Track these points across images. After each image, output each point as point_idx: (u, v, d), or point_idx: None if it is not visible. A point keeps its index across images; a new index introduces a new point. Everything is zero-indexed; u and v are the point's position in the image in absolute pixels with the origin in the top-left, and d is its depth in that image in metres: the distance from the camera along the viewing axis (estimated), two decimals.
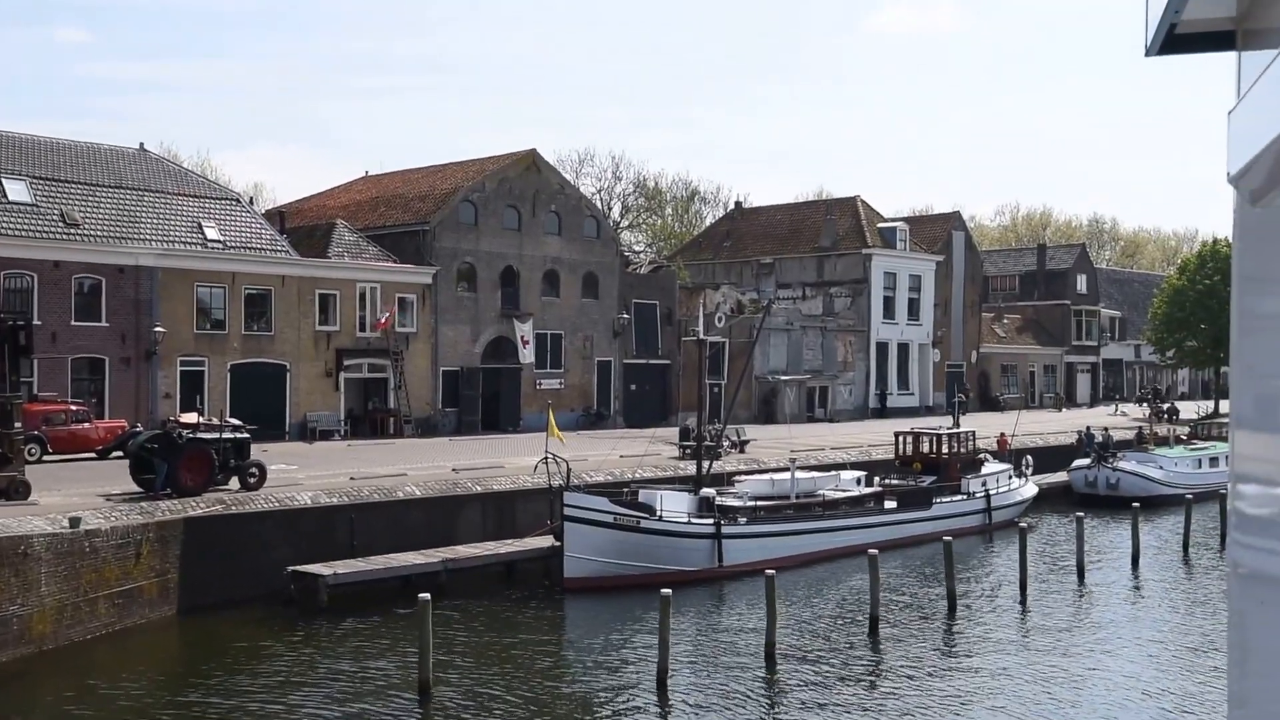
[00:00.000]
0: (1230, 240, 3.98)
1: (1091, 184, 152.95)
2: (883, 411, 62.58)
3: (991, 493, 36.40)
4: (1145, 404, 68.67)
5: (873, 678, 20.50)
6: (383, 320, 43.78)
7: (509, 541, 28.58)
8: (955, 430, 38.32)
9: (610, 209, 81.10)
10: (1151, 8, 3.27)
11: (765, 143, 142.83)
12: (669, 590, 19.83)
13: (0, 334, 25.15)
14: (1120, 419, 61.19)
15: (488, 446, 39.68)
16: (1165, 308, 67.53)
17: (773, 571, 21.64)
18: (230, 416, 29.35)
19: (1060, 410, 71.31)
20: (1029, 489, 39.55)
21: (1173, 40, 3.30)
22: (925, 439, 37.82)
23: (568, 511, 26.45)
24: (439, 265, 46.39)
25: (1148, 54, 3.39)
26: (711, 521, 28.34)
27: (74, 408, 34.49)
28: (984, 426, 45.04)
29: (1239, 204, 3.16)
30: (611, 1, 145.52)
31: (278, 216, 49.98)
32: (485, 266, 48.01)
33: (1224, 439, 48.73)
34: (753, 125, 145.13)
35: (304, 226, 48.82)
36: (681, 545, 27.78)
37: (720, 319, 54.08)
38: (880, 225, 67.19)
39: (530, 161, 50.27)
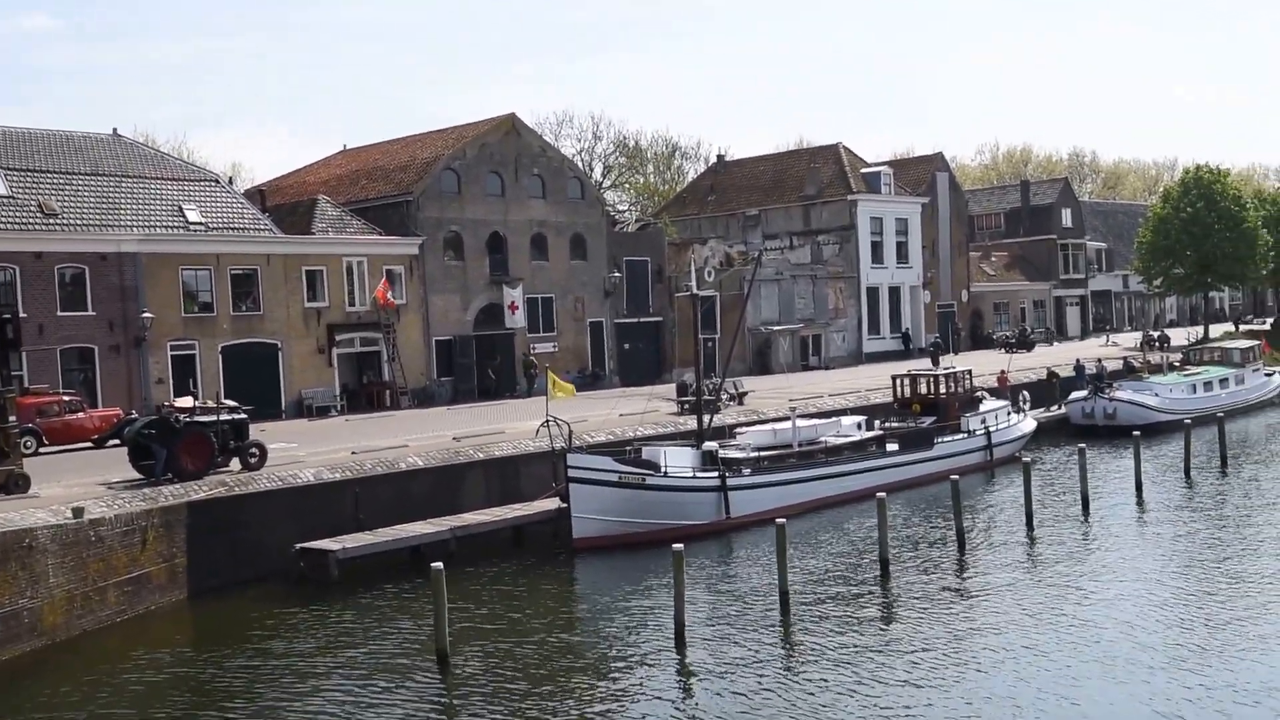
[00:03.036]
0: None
1: (1070, 117, 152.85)
2: (906, 353, 62.67)
3: (991, 430, 36.53)
4: (1007, 349, 61.49)
5: (888, 618, 20.62)
6: (387, 297, 43.44)
7: (515, 506, 28.60)
8: (951, 370, 38.42)
9: (592, 170, 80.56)
10: None
11: (744, 94, 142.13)
12: (680, 545, 19.83)
13: None
14: (1112, 350, 61.31)
15: (486, 413, 39.59)
16: (1151, 236, 67.50)
17: (783, 520, 21.72)
18: (225, 398, 29.14)
19: (1051, 344, 71.49)
20: (1028, 424, 39.71)
21: None
22: (923, 380, 37.88)
23: (572, 473, 26.49)
24: (425, 235, 46.01)
25: None
26: (716, 474, 28.39)
27: (66, 398, 34.22)
28: (979, 365, 45.16)
29: None
30: None
31: (258, 195, 49.39)
32: (471, 234, 47.65)
33: (1216, 363, 49.06)
34: (730, 75, 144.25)
35: (285, 204, 48.33)
36: (688, 500, 27.86)
37: (710, 273, 53.89)
38: (864, 171, 66.95)
39: (510, 126, 49.79)
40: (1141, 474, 31.66)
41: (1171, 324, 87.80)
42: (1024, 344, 64.78)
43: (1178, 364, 50.04)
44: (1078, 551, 25.10)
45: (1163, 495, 31.16)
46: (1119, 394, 43.32)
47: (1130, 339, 69.12)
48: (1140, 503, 30.16)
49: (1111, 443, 38.92)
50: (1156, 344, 60.93)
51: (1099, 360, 49.54)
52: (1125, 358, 52.39)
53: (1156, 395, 43.95)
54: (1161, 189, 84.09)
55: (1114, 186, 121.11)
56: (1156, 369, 48.50)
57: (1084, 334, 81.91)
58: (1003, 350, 61.48)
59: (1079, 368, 47.58)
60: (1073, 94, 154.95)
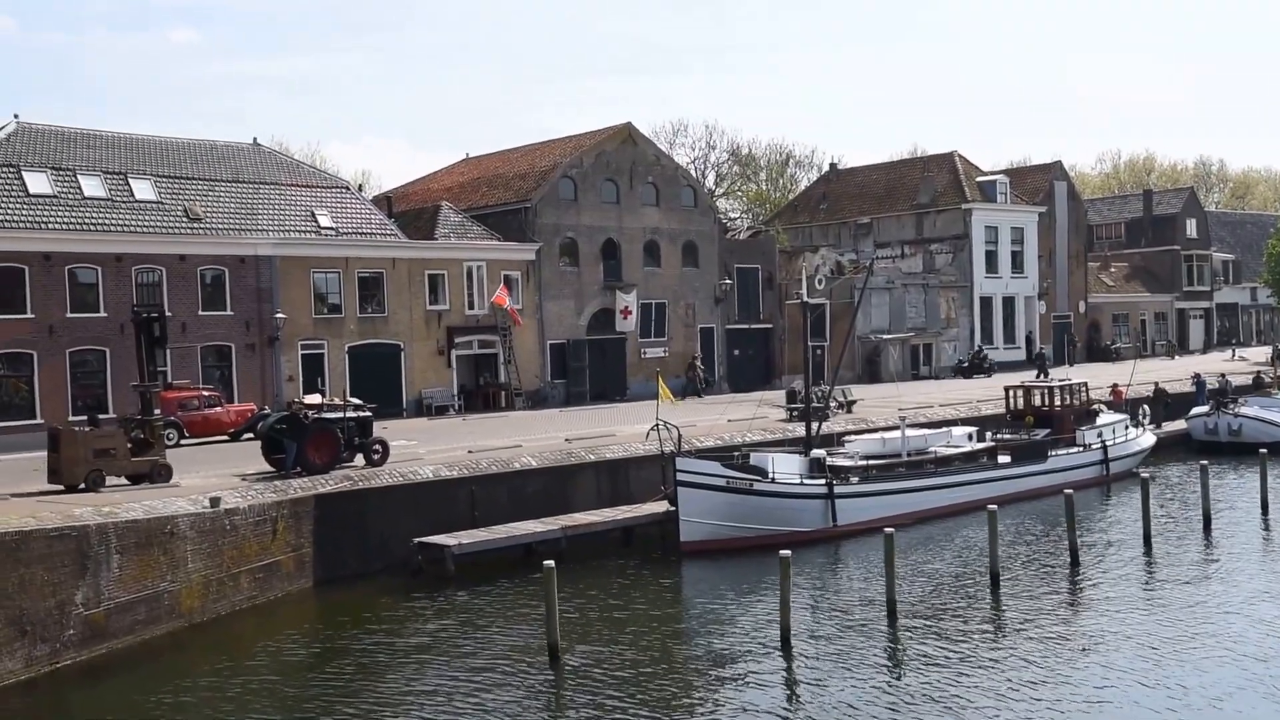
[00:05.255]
0: None
1: (1196, 125, 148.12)
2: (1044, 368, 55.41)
3: (1108, 444, 35.83)
4: (962, 374, 56.49)
5: (998, 633, 20.38)
6: (506, 304, 44.60)
7: (624, 508, 29.06)
8: (1067, 382, 37.83)
9: (705, 178, 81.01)
10: None
11: (859, 103, 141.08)
12: (788, 551, 19.94)
13: (136, 326, 26.48)
14: (1239, 364, 59.41)
15: (597, 416, 40.25)
16: None
17: (891, 530, 21.65)
18: (350, 396, 30.25)
19: (1174, 358, 69.55)
20: (1147, 439, 38.81)
21: None
22: (1036, 392, 37.37)
23: (681, 477, 26.78)
24: (542, 241, 47.16)
25: None
26: (824, 482, 28.46)
27: (206, 393, 36.06)
28: (1095, 377, 44.27)
29: None
30: None
31: (385, 202, 51.14)
32: (587, 240, 48.66)
33: None
34: (845, 86, 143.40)
35: (410, 210, 49.93)
36: (795, 506, 27.98)
37: (821, 281, 53.93)
38: (979, 179, 66.15)
39: (626, 135, 50.69)
40: (1268, 493, 30.43)
41: None
42: (979, 368, 57.07)
43: None
44: (1198, 572, 24.42)
45: None
46: (1244, 410, 42.03)
47: (1258, 354, 66.81)
48: (1266, 523, 29.08)
49: (1236, 460, 37.76)
50: None
51: (1223, 375, 48.10)
52: (1257, 373, 50.67)
53: None
54: None
55: (1243, 196, 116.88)
56: None
57: (1207, 348, 79.42)
58: (960, 376, 54.78)
59: (1199, 382, 46.24)
60: (1199, 101, 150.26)
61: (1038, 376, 46.95)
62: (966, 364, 58.28)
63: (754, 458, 28.93)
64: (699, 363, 51.07)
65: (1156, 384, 46.06)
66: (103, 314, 36.60)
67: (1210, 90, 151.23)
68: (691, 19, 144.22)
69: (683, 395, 47.51)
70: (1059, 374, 48.62)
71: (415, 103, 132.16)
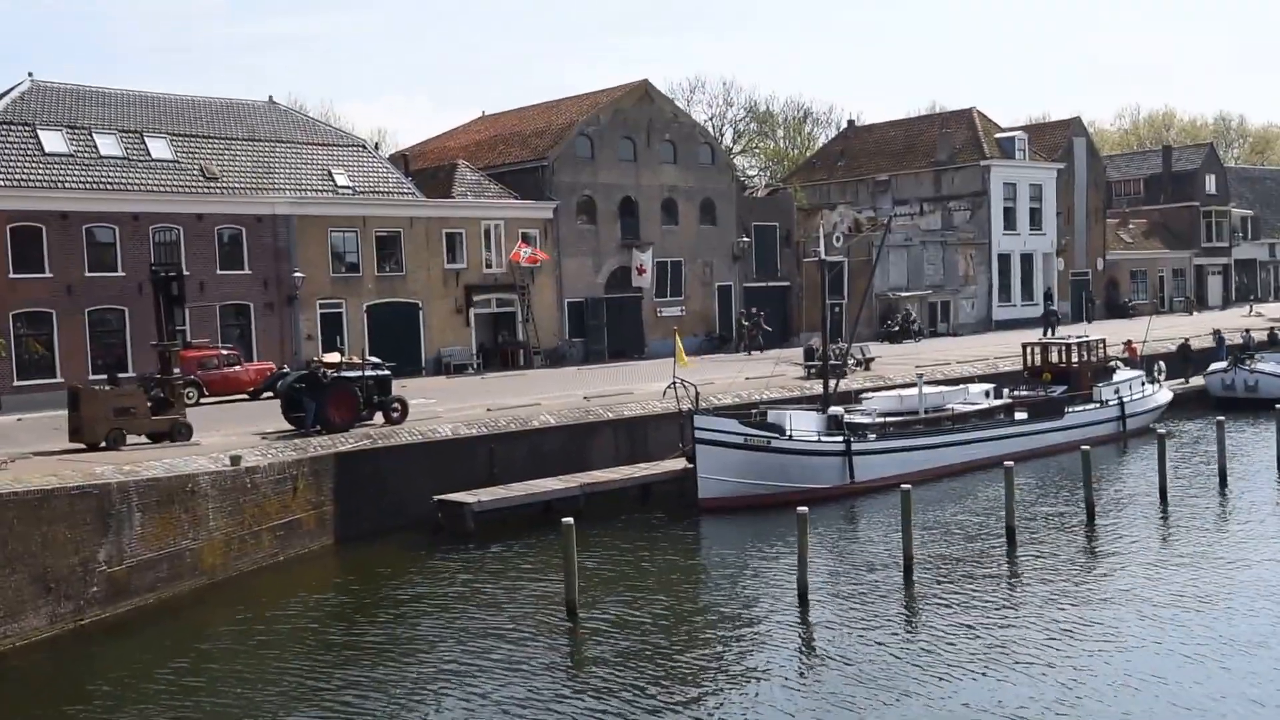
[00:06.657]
0: None
1: (1216, 80, 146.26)
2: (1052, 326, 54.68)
3: (1125, 400, 35.77)
4: (889, 339, 53.52)
5: (1013, 588, 20.47)
6: (521, 256, 44.58)
7: (643, 465, 29.23)
8: (1084, 338, 37.76)
9: (722, 135, 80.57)
10: None
11: (877, 59, 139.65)
12: (805, 508, 19.98)
13: (155, 286, 26.58)
14: (1256, 320, 59.09)
15: (615, 374, 40.30)
16: None
17: (908, 486, 21.70)
18: (370, 355, 30.34)
19: (1192, 314, 69.29)
20: (1163, 395, 38.73)
21: None
22: (1054, 349, 37.33)
23: (699, 434, 26.87)
24: (559, 199, 47.08)
25: None
26: (841, 439, 28.54)
27: (225, 352, 36.24)
28: (1113, 334, 44.13)
29: None
30: None
31: (402, 160, 51.01)
32: (604, 198, 48.54)
33: None
34: (864, 41, 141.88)
35: (427, 169, 49.82)
36: (813, 463, 28.07)
37: (839, 239, 53.69)
38: (998, 136, 65.69)
39: (643, 92, 50.41)
40: None
41: None
42: (907, 333, 55.27)
43: None
44: (1213, 527, 24.48)
45: None
46: (1261, 366, 41.88)
47: (1276, 310, 66.48)
48: None
49: (1253, 416, 37.69)
50: None
51: (1247, 331, 47.80)
52: (1272, 328, 50.48)
53: None
54: None
55: (1262, 151, 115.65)
56: None
57: (1225, 304, 79.10)
58: (886, 341, 52.98)
59: (1219, 338, 46.10)
60: (1219, 56, 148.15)
61: (1046, 334, 46.85)
62: (896, 329, 55.88)
63: (772, 415, 28.98)
64: (762, 320, 50.49)
65: (1185, 340, 45.81)
66: (121, 273, 36.73)
67: (1231, 45, 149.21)
68: None
69: (747, 350, 47.74)
70: (1074, 330, 48.46)
71: (433, 60, 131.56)
